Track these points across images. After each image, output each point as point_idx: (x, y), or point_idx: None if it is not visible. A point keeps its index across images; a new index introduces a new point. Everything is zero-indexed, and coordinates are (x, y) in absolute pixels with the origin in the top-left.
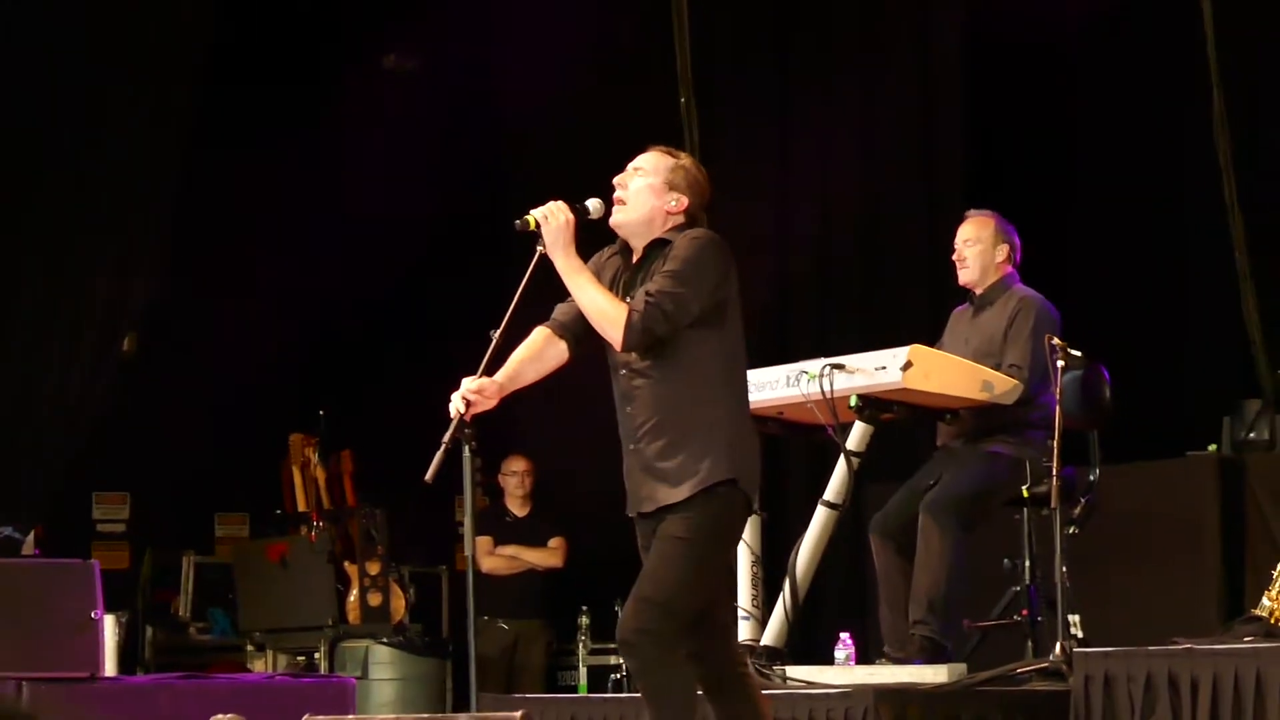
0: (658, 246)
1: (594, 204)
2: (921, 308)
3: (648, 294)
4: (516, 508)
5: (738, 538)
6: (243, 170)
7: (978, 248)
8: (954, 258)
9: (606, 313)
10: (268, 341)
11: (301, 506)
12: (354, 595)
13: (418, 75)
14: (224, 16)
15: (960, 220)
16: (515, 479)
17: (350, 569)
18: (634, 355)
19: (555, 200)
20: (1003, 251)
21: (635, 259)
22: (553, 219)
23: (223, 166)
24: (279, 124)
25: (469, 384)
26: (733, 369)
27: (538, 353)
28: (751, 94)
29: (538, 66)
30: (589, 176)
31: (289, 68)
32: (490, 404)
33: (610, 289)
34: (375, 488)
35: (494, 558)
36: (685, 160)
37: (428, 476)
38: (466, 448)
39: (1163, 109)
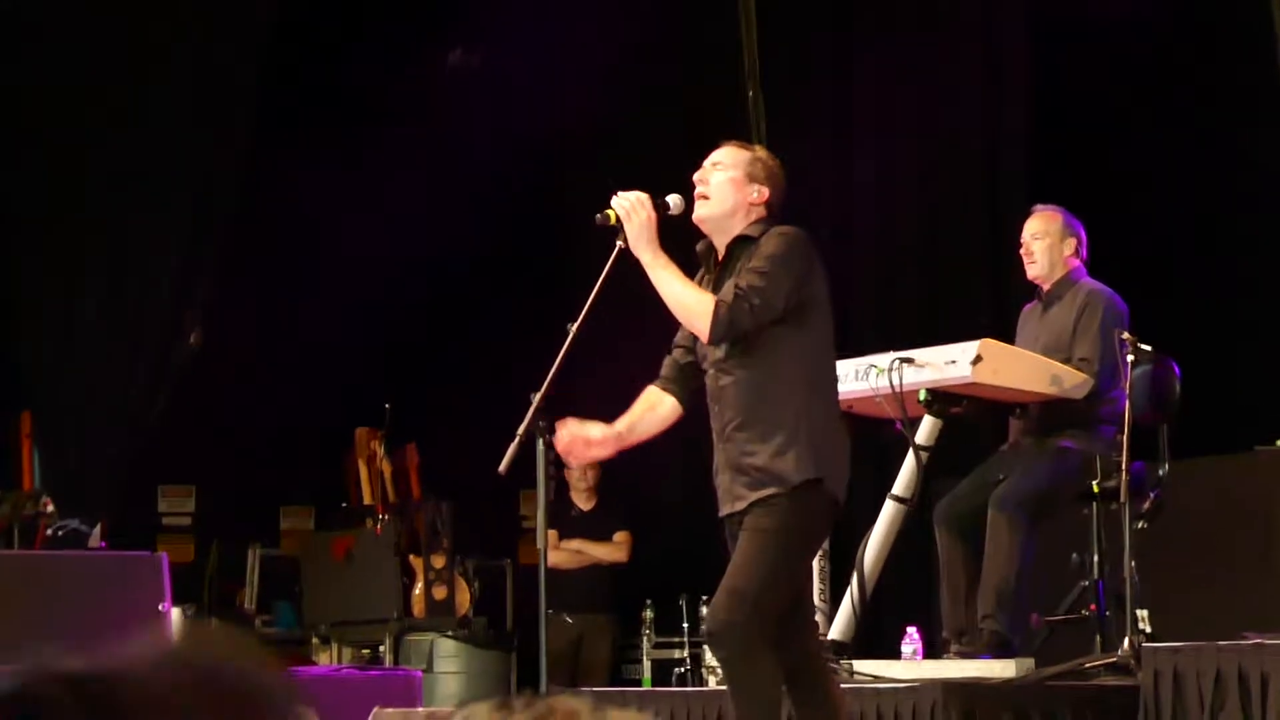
0: (741, 244)
1: (674, 199)
2: (984, 302)
3: (737, 288)
4: (581, 502)
5: (823, 536)
6: (304, 166)
7: (1045, 241)
8: (1021, 252)
9: (692, 306)
10: (333, 335)
11: (367, 500)
12: (419, 588)
13: (478, 72)
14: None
15: (1025, 215)
16: (579, 472)
17: (415, 562)
18: (720, 353)
19: (635, 192)
20: (1070, 245)
21: (720, 258)
22: (635, 215)
23: (284, 162)
24: (341, 119)
25: (588, 431)
26: (819, 366)
27: (653, 407)
28: (813, 86)
29: (596, 64)
30: (652, 173)
31: (350, 65)
32: (604, 454)
33: None
34: (440, 481)
35: (559, 552)
36: (761, 152)
37: (501, 468)
38: (540, 440)
39: (1234, 104)
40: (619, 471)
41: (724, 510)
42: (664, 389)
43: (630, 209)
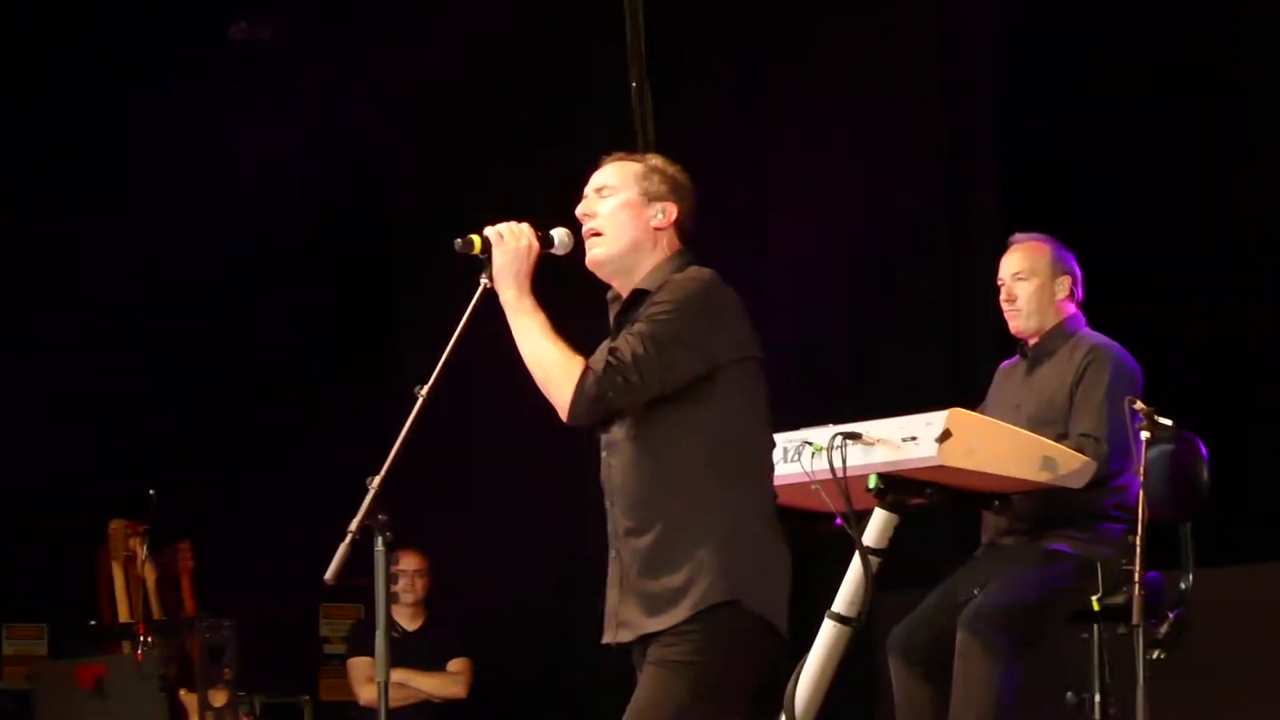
0: (639, 300)
1: (560, 234)
2: (945, 359)
3: (612, 351)
4: (406, 619)
5: (748, 675)
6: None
7: (1033, 283)
8: (1001, 299)
9: (553, 369)
10: (79, 393)
11: (124, 616)
12: None
13: (272, 48)
14: None
15: (1001, 249)
16: (405, 580)
17: (188, 699)
18: (613, 429)
19: (516, 221)
20: (1064, 286)
21: (619, 309)
22: (510, 238)
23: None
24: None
25: None
26: (735, 445)
27: None
28: (721, 81)
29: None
30: (514, 200)
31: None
32: None
33: None
34: (222, 592)
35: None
36: (655, 159)
37: (329, 575)
38: (379, 538)
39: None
40: (454, 578)
41: (607, 638)
42: None
43: (505, 232)
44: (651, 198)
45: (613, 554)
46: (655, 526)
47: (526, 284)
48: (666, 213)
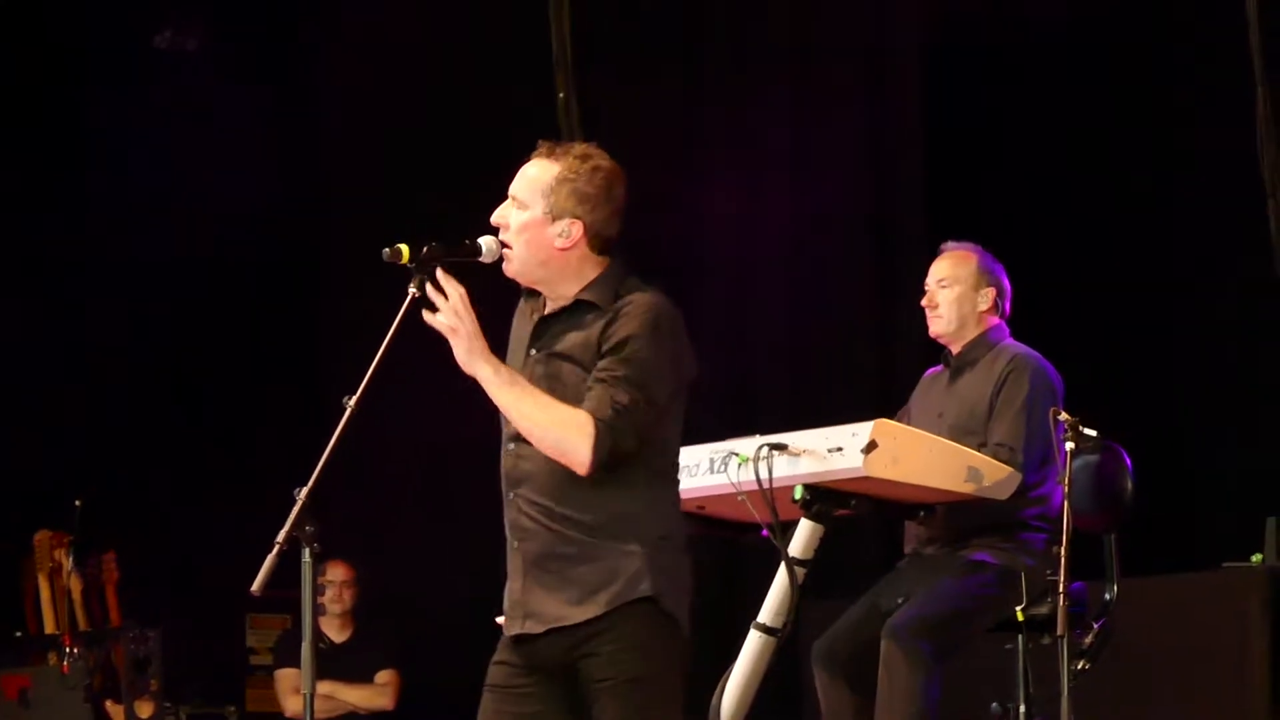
0: (586, 309)
1: (488, 242)
2: (868, 369)
3: (616, 404)
4: (334, 631)
5: (682, 668)
6: None
7: (954, 291)
8: (923, 303)
9: (562, 432)
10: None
11: (49, 627)
12: None
13: (200, 57)
14: None
15: (931, 257)
16: (333, 591)
17: (114, 710)
18: None
19: (452, 288)
20: (987, 297)
21: (552, 309)
22: (460, 327)
23: None
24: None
25: None
26: (666, 456)
27: None
28: (650, 91)
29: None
30: (433, 196)
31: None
32: None
33: (523, 349)
34: (147, 602)
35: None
36: (569, 164)
37: (255, 586)
38: (306, 550)
39: (1195, 116)
40: (381, 589)
41: (513, 630)
42: None
43: (451, 320)
44: (556, 216)
45: (513, 545)
46: (583, 519)
47: (489, 354)
48: (571, 231)
